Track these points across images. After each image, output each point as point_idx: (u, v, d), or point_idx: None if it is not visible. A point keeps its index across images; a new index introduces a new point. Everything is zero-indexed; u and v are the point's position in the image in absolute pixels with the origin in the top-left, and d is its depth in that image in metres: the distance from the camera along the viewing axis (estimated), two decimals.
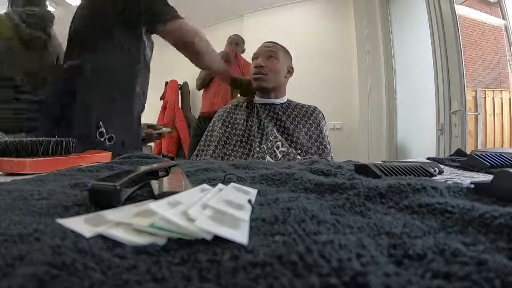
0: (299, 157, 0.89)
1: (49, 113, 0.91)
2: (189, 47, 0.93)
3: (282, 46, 1.06)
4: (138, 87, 0.94)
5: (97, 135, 0.85)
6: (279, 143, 0.91)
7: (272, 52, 1.00)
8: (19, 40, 1.24)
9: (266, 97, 1.02)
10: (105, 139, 0.86)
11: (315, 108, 1.03)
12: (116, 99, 0.89)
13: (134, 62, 0.92)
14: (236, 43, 2.31)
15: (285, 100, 1.04)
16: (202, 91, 2.34)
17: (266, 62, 0.99)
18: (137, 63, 0.93)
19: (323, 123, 1.01)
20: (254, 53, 1.04)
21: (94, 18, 0.88)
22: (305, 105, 1.04)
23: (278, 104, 1.01)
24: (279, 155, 0.89)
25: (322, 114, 1.03)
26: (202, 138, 1.03)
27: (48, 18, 1.33)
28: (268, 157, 0.89)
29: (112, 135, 0.88)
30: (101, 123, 0.86)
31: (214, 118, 1.06)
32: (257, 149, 0.92)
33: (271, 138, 0.92)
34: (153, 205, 0.17)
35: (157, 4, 0.88)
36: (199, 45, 0.93)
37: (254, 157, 0.90)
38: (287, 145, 0.91)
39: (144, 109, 1.04)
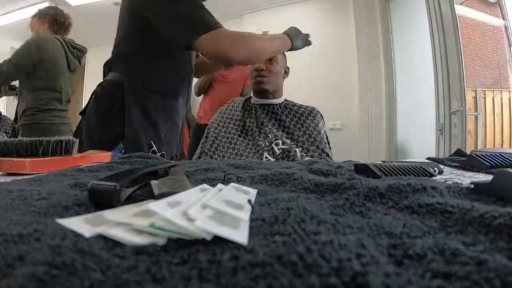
0: (298, 152, 0.88)
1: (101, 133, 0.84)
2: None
3: None
4: (181, 98, 0.91)
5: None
6: (280, 141, 0.91)
7: (273, 55, 1.00)
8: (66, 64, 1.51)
9: (264, 98, 1.02)
10: None
11: (313, 108, 1.03)
12: (161, 114, 0.84)
13: (174, 73, 0.87)
14: None
15: (283, 100, 1.04)
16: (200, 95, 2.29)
17: (266, 65, 0.99)
18: (177, 74, 0.88)
19: (322, 123, 1.01)
20: None
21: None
22: (302, 105, 1.04)
23: (276, 104, 1.01)
24: (277, 151, 0.89)
25: (321, 114, 1.03)
26: (202, 141, 1.02)
27: (85, 52, 1.62)
28: (266, 154, 0.89)
29: (163, 152, 0.84)
30: (152, 142, 0.82)
31: (212, 119, 1.06)
32: (255, 145, 0.92)
33: (270, 136, 0.92)
34: (152, 205, 0.17)
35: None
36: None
37: (251, 154, 0.90)
38: (288, 142, 0.91)
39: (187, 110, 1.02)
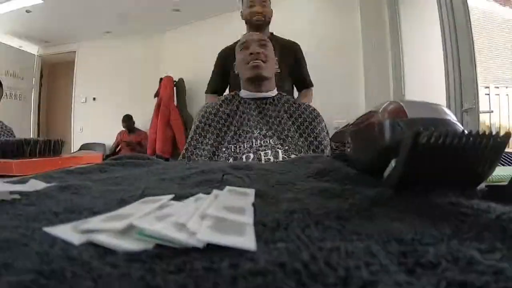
0: (280, 154, 0.85)
1: None
2: None
3: None
4: None
5: None
6: (268, 151, 0.87)
7: (265, 41, 0.97)
8: None
9: (256, 91, 0.97)
10: None
11: (309, 105, 1.00)
12: None
13: None
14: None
15: (276, 93, 1.00)
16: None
17: (261, 49, 0.95)
18: None
19: (318, 120, 0.96)
20: (243, 42, 0.99)
21: None
22: (297, 101, 1.01)
23: (269, 98, 0.97)
24: (263, 159, 0.86)
25: (318, 112, 1.01)
26: (197, 132, 0.97)
27: None
28: (252, 155, 0.86)
29: None
30: None
31: (204, 113, 1.02)
32: (241, 147, 0.89)
33: (258, 142, 0.89)
34: (137, 222, 0.17)
35: None
36: None
37: (241, 154, 0.87)
38: (274, 153, 0.87)
39: None
